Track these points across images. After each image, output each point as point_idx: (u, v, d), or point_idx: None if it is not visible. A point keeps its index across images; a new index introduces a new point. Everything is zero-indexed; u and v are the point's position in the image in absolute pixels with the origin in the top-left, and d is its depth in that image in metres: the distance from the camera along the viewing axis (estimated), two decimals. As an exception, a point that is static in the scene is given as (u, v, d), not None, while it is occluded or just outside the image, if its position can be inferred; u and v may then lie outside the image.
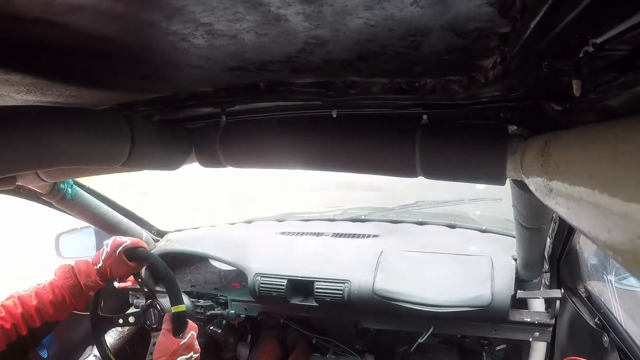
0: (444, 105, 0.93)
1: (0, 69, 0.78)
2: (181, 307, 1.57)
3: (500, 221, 2.24)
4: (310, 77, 0.95)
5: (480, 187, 1.23)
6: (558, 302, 1.59)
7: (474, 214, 2.58)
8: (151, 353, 1.99)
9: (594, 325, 1.28)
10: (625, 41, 0.42)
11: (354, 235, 2.17)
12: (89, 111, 1.04)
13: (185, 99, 1.11)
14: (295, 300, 1.92)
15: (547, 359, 1.69)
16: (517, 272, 1.72)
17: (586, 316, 1.35)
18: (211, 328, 2.10)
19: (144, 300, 1.81)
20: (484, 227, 2.13)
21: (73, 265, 1.65)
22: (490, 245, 1.95)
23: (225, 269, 2.23)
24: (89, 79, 0.96)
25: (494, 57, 0.72)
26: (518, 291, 1.65)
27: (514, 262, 1.75)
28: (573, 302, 1.47)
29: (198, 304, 2.11)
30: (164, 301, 1.71)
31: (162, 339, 1.53)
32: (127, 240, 1.68)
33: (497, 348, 1.92)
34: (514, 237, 1.55)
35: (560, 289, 1.58)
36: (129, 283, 2.20)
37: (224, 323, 2.11)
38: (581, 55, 0.48)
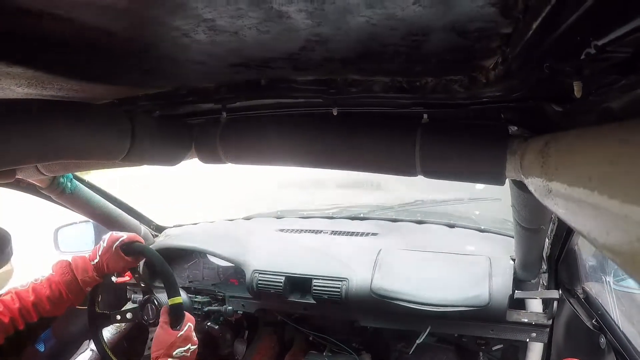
0: (444, 104, 0.93)
1: (2, 62, 0.78)
2: (178, 300, 1.57)
3: (499, 221, 2.24)
4: (312, 75, 0.95)
5: (479, 186, 1.23)
6: (556, 303, 1.59)
7: (473, 213, 2.58)
8: (149, 348, 2.00)
9: (591, 327, 1.28)
10: (627, 44, 0.42)
11: (352, 233, 2.17)
12: (90, 105, 1.04)
13: (186, 95, 1.11)
14: (293, 298, 1.92)
15: (543, 359, 1.70)
16: (515, 273, 1.72)
17: (583, 317, 1.35)
18: (208, 324, 2.10)
19: (142, 296, 1.82)
20: (482, 227, 2.13)
21: (70, 261, 1.65)
22: (488, 245, 1.95)
23: (224, 265, 2.23)
24: (90, 74, 0.95)
25: (495, 57, 0.72)
26: (516, 291, 1.65)
27: (512, 262, 1.76)
28: (571, 303, 1.47)
29: (196, 299, 2.12)
30: (162, 296, 1.71)
31: (160, 332, 1.53)
32: (123, 235, 1.68)
33: (494, 348, 1.92)
34: (513, 238, 1.56)
35: (558, 289, 1.58)
36: (126, 278, 2.20)
37: (221, 319, 2.11)
38: (583, 57, 0.48)
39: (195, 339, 1.58)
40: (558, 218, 1.33)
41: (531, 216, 1.19)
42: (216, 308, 2.10)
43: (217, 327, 2.10)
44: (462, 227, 2.17)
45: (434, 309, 1.67)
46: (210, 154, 1.23)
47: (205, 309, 2.10)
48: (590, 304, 1.39)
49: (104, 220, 2.11)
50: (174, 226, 2.54)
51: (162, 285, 1.64)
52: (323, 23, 0.60)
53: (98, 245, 1.68)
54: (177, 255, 2.31)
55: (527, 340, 1.70)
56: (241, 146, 1.18)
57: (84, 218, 2.15)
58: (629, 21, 0.38)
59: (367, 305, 1.81)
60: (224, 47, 0.73)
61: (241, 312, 2.13)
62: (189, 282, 2.27)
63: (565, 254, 1.53)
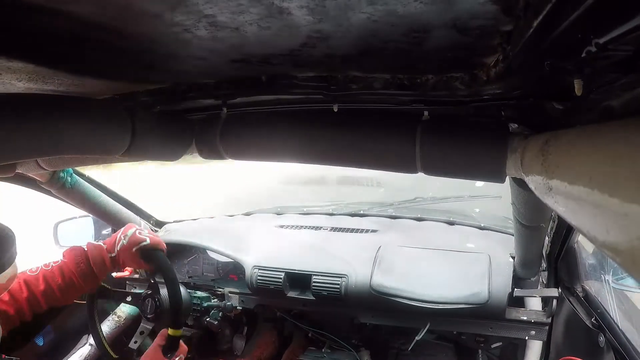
0: (445, 101, 0.93)
1: (2, 56, 0.78)
2: (178, 332, 1.59)
3: (499, 219, 2.25)
4: (312, 71, 0.94)
5: (479, 184, 1.23)
6: (555, 301, 1.59)
7: (473, 211, 2.59)
8: (136, 342, 2.01)
9: (590, 325, 1.28)
10: (628, 42, 0.42)
11: (352, 230, 2.18)
12: (90, 100, 1.04)
13: (186, 90, 1.11)
14: (292, 294, 1.93)
15: (542, 357, 1.70)
16: (514, 270, 1.72)
17: (583, 316, 1.35)
18: (207, 319, 2.11)
19: (141, 290, 1.82)
20: (482, 225, 2.13)
21: (85, 248, 1.61)
22: (488, 243, 1.96)
23: (223, 260, 2.23)
24: (91, 69, 0.95)
25: (496, 54, 0.72)
26: (515, 289, 1.65)
27: (511, 260, 1.76)
28: (570, 301, 1.47)
29: (195, 295, 2.12)
30: (163, 292, 1.72)
31: (151, 353, 1.54)
32: (146, 239, 1.62)
33: (493, 346, 1.92)
34: (513, 235, 1.56)
35: (558, 288, 1.58)
36: (126, 273, 2.21)
37: (220, 315, 2.12)
38: (584, 55, 0.48)
39: None
40: (558, 216, 1.33)
41: (531, 214, 1.19)
42: (215, 303, 2.11)
43: (216, 322, 2.10)
44: (462, 225, 2.17)
45: (433, 306, 1.67)
46: (210, 150, 1.23)
47: (205, 304, 2.10)
48: (589, 303, 1.39)
49: (104, 215, 2.11)
50: (173, 221, 2.54)
51: (164, 282, 1.65)
52: (324, 19, 0.60)
53: (117, 238, 1.63)
54: (177, 251, 2.31)
55: (526, 338, 1.71)
56: (241, 142, 1.18)
57: (84, 213, 2.15)
58: (630, 19, 0.38)
59: (366, 302, 1.81)
60: (225, 43, 0.73)
61: (240, 308, 2.13)
62: (189, 277, 2.28)
63: (565, 252, 1.53)
